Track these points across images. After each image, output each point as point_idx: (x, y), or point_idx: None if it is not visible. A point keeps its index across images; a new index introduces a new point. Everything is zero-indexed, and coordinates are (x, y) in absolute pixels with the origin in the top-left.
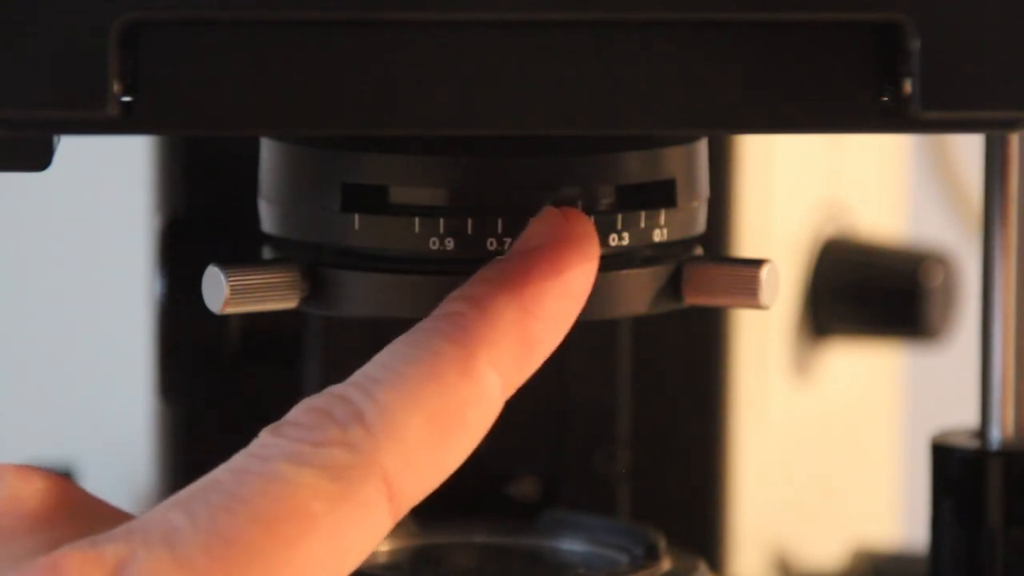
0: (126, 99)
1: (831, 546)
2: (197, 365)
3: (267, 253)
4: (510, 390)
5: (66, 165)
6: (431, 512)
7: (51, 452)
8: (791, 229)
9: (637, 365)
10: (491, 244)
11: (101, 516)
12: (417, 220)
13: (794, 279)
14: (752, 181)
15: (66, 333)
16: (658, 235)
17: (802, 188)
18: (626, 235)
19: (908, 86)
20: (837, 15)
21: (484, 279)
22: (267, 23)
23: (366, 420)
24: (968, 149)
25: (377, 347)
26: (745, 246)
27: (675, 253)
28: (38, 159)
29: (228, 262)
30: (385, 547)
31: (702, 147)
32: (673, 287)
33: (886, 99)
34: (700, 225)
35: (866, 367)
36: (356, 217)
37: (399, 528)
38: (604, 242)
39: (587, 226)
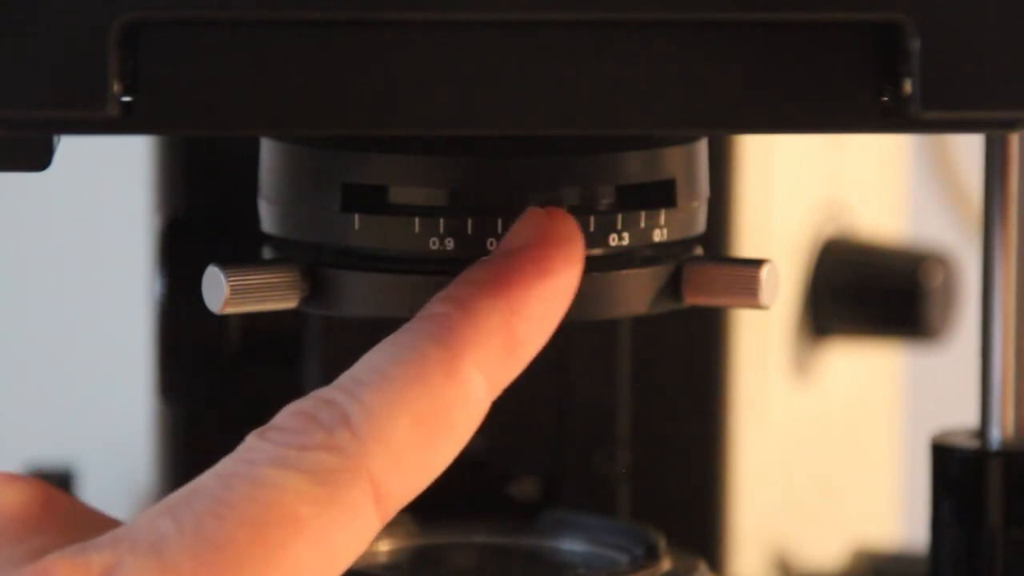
0: (126, 99)
1: (831, 546)
2: (197, 365)
3: (267, 253)
4: (496, 391)
5: (66, 165)
6: (431, 512)
7: (51, 452)
8: (791, 229)
9: (637, 365)
10: (491, 244)
11: (89, 523)
12: (417, 220)
13: (794, 279)
14: (752, 181)
15: (66, 333)
16: (658, 235)
17: (802, 188)
18: (626, 235)
19: (908, 86)
20: (837, 15)
21: (469, 280)
22: (267, 23)
23: (352, 423)
24: (968, 149)
25: None
26: (745, 246)
27: (675, 253)
28: (38, 159)
29: (228, 262)
30: (385, 547)
31: (702, 147)
32: (673, 287)
33: (886, 99)
34: (700, 225)
35: (866, 367)
36: (356, 217)
37: (399, 528)
38: (604, 242)
39: (571, 226)
